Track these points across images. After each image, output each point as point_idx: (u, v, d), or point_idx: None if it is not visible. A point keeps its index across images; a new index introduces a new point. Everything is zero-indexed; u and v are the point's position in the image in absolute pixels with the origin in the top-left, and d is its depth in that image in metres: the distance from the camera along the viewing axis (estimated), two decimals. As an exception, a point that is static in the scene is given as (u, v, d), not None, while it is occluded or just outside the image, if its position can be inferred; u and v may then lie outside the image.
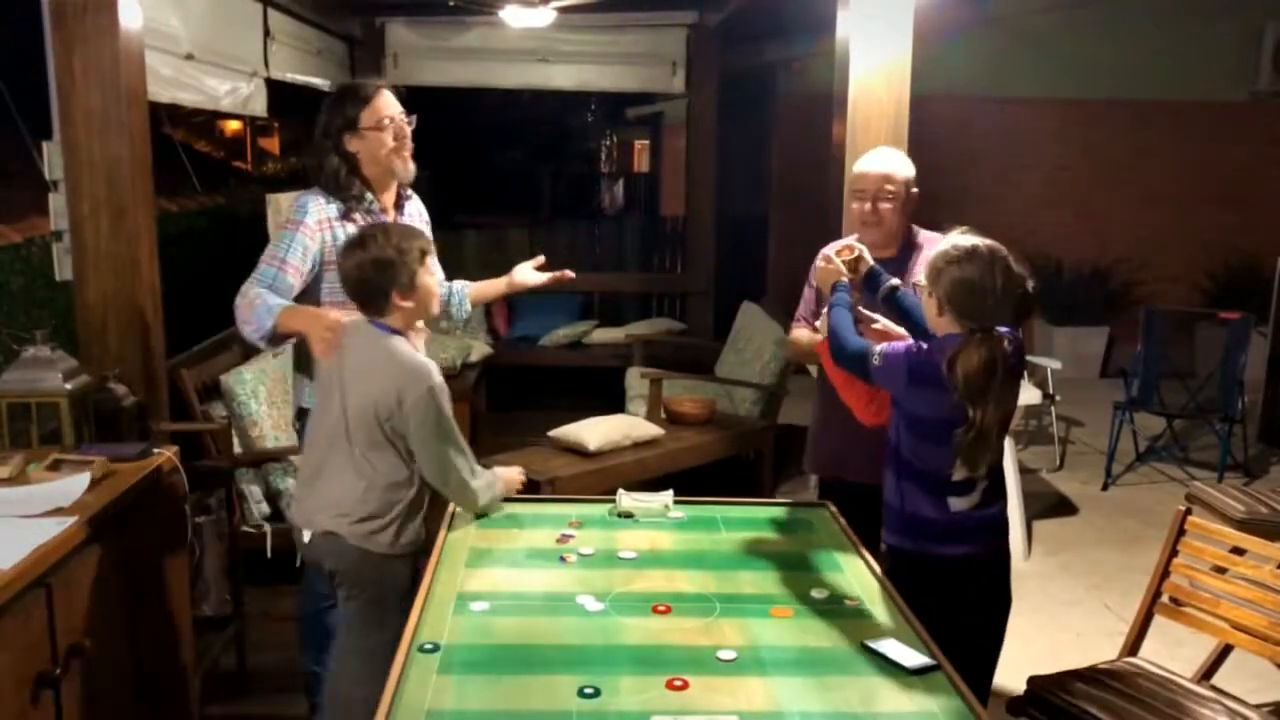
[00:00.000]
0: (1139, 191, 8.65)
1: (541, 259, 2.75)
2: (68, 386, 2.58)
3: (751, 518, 2.64)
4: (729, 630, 1.97)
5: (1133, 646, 2.85)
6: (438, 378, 2.33)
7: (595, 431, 4.37)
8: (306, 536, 2.45)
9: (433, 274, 2.44)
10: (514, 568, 2.27)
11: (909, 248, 2.81)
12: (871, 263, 2.65)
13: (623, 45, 6.99)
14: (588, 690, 1.73)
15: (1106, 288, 8.55)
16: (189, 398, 3.77)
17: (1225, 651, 2.88)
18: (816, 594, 2.15)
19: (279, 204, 4.92)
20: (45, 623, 1.96)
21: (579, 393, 6.66)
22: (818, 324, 2.72)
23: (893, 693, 1.78)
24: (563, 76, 7.11)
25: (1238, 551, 2.85)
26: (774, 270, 8.63)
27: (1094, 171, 8.63)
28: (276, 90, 5.30)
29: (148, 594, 2.47)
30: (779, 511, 2.70)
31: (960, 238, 2.28)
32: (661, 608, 2.06)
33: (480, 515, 2.53)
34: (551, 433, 4.44)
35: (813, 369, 3.09)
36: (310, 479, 2.45)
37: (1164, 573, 2.85)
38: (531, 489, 3.15)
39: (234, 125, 12.30)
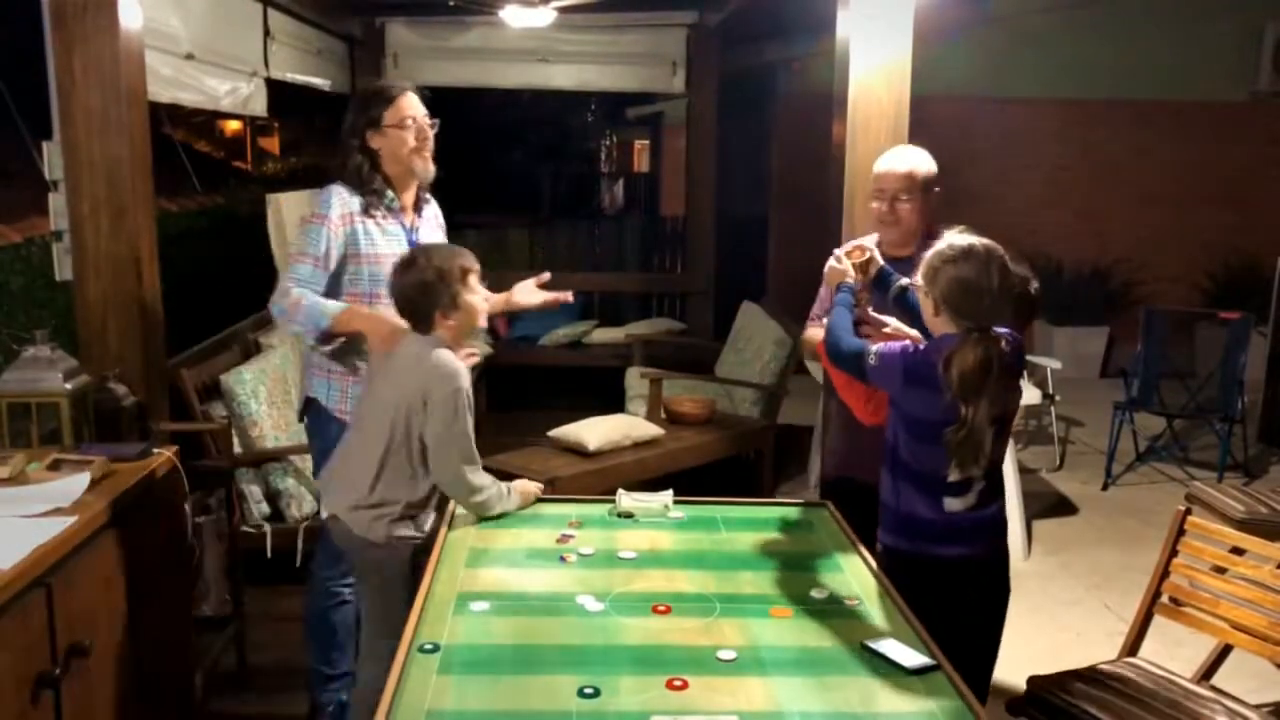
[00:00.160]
0: (1139, 191, 8.65)
1: (546, 276, 2.78)
2: (68, 386, 2.58)
3: (751, 518, 2.64)
4: (729, 630, 1.97)
5: (1133, 646, 2.85)
6: (465, 383, 2.42)
7: (595, 431, 4.37)
8: (324, 514, 2.56)
9: (476, 292, 2.51)
10: (514, 568, 2.27)
11: (926, 247, 2.80)
12: (881, 264, 2.65)
13: (623, 45, 6.99)
14: (588, 690, 1.73)
15: (1106, 288, 8.55)
16: (189, 398, 3.77)
17: (1225, 651, 2.88)
18: (816, 594, 2.15)
19: (279, 204, 4.93)
20: (45, 623, 1.96)
21: (579, 393, 6.66)
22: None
23: (892, 693, 1.78)
24: (563, 76, 7.11)
25: (1237, 551, 2.85)
26: (774, 270, 8.63)
27: (1094, 171, 8.63)
28: (276, 90, 5.30)
29: (148, 594, 2.47)
30: (779, 511, 2.70)
31: (957, 237, 2.28)
32: (661, 608, 2.06)
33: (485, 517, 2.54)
34: (551, 433, 4.44)
35: (815, 370, 3.09)
36: (340, 461, 2.56)
37: (1164, 573, 2.85)
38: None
39: (234, 125, 12.31)
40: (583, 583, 2.17)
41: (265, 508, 3.91)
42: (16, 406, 2.56)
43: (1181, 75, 8.36)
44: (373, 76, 6.71)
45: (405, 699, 1.68)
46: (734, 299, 6.41)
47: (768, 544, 2.45)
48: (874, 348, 2.35)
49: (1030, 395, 4.98)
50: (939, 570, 2.31)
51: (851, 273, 2.61)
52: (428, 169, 2.88)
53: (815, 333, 2.92)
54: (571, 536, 2.44)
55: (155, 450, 2.61)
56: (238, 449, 3.81)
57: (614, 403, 5.63)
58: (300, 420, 3.04)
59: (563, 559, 2.31)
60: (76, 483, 2.28)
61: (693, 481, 4.08)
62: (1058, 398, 6.10)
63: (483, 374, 6.36)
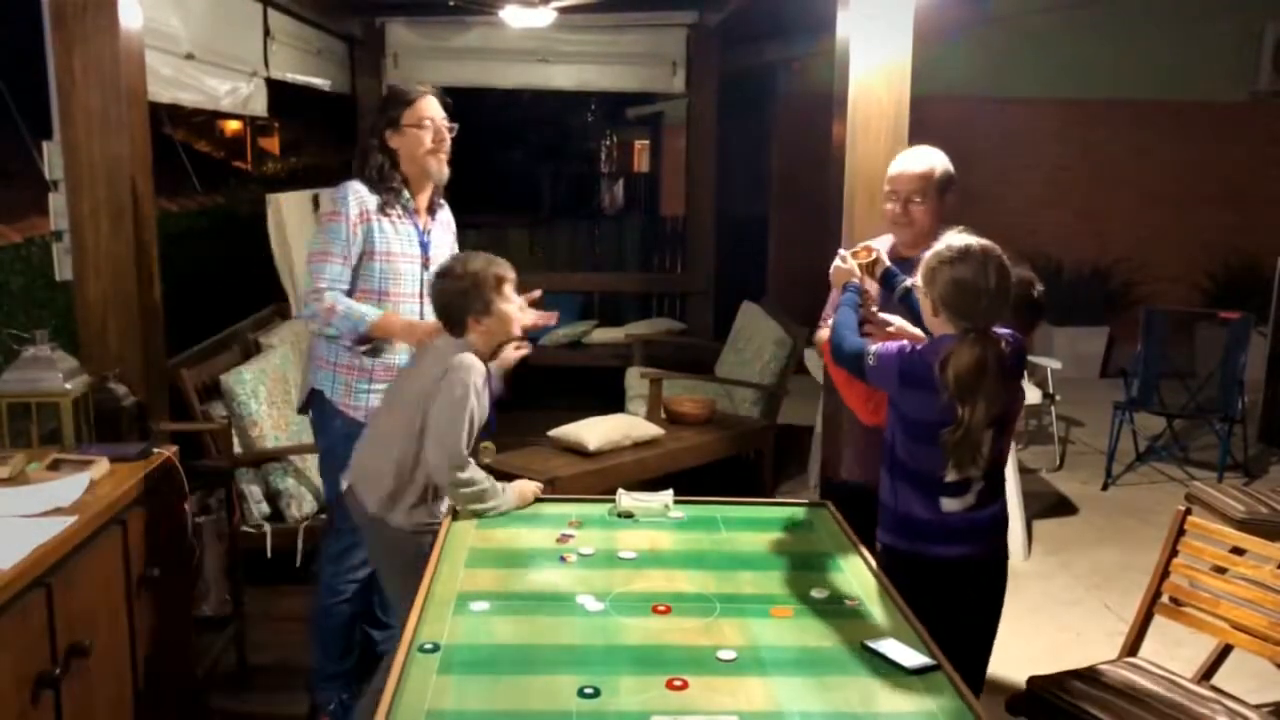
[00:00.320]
0: (1139, 191, 8.65)
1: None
2: (68, 386, 2.58)
3: (751, 518, 2.64)
4: (729, 630, 1.97)
5: (1132, 646, 2.86)
6: (478, 378, 2.51)
7: (595, 431, 4.37)
8: (344, 485, 2.68)
9: (511, 300, 2.61)
10: (514, 568, 2.27)
11: None
12: (888, 264, 2.65)
13: (623, 45, 6.99)
14: (588, 690, 1.73)
15: (1106, 288, 8.56)
16: (189, 398, 3.77)
17: (1225, 651, 2.88)
18: (816, 594, 2.15)
19: (279, 204, 4.92)
20: (45, 623, 1.96)
21: (579, 393, 6.65)
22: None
23: (892, 693, 1.78)
24: (563, 76, 7.11)
25: (1237, 551, 2.85)
26: (774, 270, 8.63)
27: (1094, 171, 8.63)
28: (276, 90, 5.30)
29: (148, 594, 2.47)
30: (779, 511, 2.70)
31: (955, 238, 2.28)
32: (661, 608, 2.06)
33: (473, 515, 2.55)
34: (551, 433, 4.44)
35: (815, 370, 3.09)
36: (368, 438, 2.68)
37: (1164, 573, 2.85)
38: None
39: (234, 125, 12.30)
40: (583, 583, 2.17)
41: (265, 508, 3.91)
42: (16, 406, 2.56)
43: (1181, 75, 8.36)
44: (373, 77, 6.73)
45: (405, 699, 1.68)
46: (734, 299, 6.41)
47: (768, 544, 2.45)
48: (873, 348, 2.35)
49: (1030, 395, 4.98)
50: (937, 570, 2.32)
51: (857, 272, 2.61)
52: (442, 170, 2.98)
53: (826, 333, 2.91)
54: (571, 536, 2.44)
55: (155, 450, 2.62)
56: (238, 449, 3.81)
57: (614, 403, 5.64)
58: (304, 413, 3.07)
59: (563, 559, 2.31)
60: (76, 483, 2.28)
61: (693, 481, 4.08)
62: (1058, 398, 6.10)
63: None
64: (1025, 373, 2.52)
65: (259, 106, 5.08)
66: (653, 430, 4.59)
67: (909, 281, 2.57)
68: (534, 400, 7.00)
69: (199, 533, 3.37)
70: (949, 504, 2.29)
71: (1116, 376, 6.83)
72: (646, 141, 15.53)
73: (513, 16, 5.51)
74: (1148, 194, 8.64)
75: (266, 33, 5.13)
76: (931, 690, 1.78)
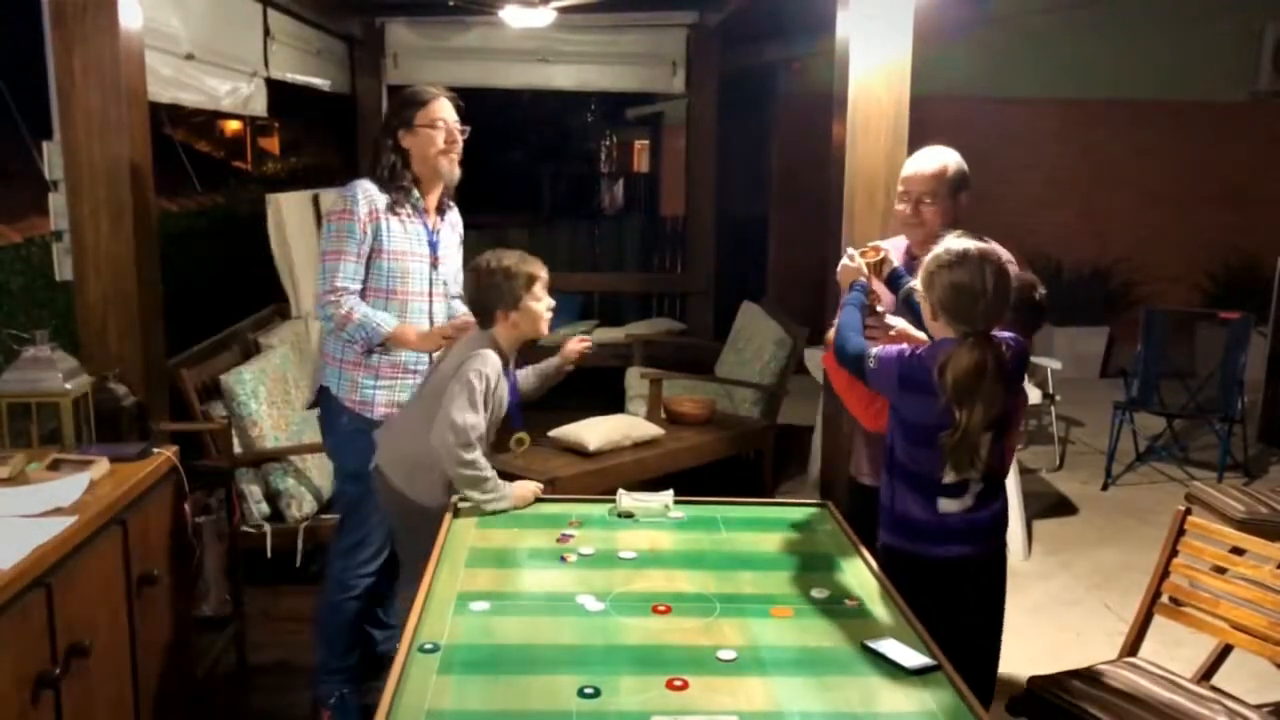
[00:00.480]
0: (1139, 191, 8.65)
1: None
2: (68, 386, 2.58)
3: (751, 518, 2.64)
4: (729, 630, 1.97)
5: (1132, 646, 2.85)
6: (491, 369, 2.59)
7: (595, 431, 4.37)
8: (371, 465, 2.78)
9: (540, 299, 2.68)
10: (514, 568, 2.27)
11: None
12: (895, 265, 2.64)
13: (623, 45, 6.99)
14: (588, 690, 1.73)
15: (1106, 288, 8.56)
16: (189, 398, 3.77)
17: (1225, 651, 2.88)
18: (816, 594, 2.14)
19: (279, 204, 4.93)
20: (45, 623, 1.95)
21: (579, 393, 6.64)
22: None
23: (893, 693, 1.78)
24: (563, 76, 7.11)
25: (1237, 551, 2.85)
26: (774, 270, 8.63)
27: (1094, 171, 8.63)
28: (276, 90, 5.30)
29: (148, 594, 2.47)
30: (779, 511, 2.70)
31: (953, 241, 2.27)
32: (661, 608, 2.06)
33: (475, 509, 2.56)
34: (551, 433, 4.44)
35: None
36: (397, 422, 2.81)
37: (1164, 573, 2.85)
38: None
39: (234, 125, 12.30)
40: (583, 583, 2.17)
41: (265, 508, 3.91)
42: (16, 406, 2.56)
43: (1181, 75, 8.36)
44: (373, 77, 6.73)
45: (405, 699, 1.68)
46: (734, 299, 6.41)
47: (768, 544, 2.45)
48: (874, 351, 2.35)
49: (1031, 395, 4.98)
50: (936, 570, 2.31)
51: (865, 271, 2.60)
52: (453, 171, 3.01)
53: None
54: (572, 536, 2.44)
55: (155, 450, 2.61)
56: (238, 449, 3.81)
57: (614, 403, 5.63)
58: (312, 408, 3.12)
59: (563, 559, 2.31)
60: (76, 483, 2.28)
61: (693, 481, 4.08)
62: (1058, 398, 6.10)
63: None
64: (1025, 375, 2.52)
65: (259, 106, 5.09)
66: (653, 430, 4.59)
67: (913, 283, 2.57)
68: (534, 400, 7.01)
69: (199, 533, 3.37)
70: (946, 505, 2.29)
71: (1116, 376, 6.83)
72: (646, 142, 15.53)
73: (513, 16, 5.51)
74: (1148, 194, 8.65)
75: (266, 33, 5.13)
76: (932, 690, 1.78)
